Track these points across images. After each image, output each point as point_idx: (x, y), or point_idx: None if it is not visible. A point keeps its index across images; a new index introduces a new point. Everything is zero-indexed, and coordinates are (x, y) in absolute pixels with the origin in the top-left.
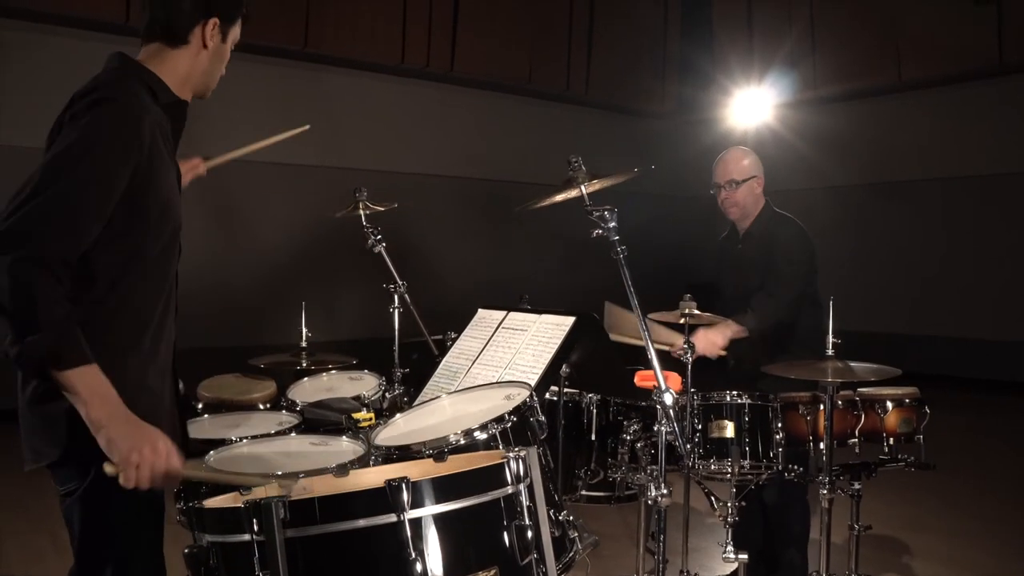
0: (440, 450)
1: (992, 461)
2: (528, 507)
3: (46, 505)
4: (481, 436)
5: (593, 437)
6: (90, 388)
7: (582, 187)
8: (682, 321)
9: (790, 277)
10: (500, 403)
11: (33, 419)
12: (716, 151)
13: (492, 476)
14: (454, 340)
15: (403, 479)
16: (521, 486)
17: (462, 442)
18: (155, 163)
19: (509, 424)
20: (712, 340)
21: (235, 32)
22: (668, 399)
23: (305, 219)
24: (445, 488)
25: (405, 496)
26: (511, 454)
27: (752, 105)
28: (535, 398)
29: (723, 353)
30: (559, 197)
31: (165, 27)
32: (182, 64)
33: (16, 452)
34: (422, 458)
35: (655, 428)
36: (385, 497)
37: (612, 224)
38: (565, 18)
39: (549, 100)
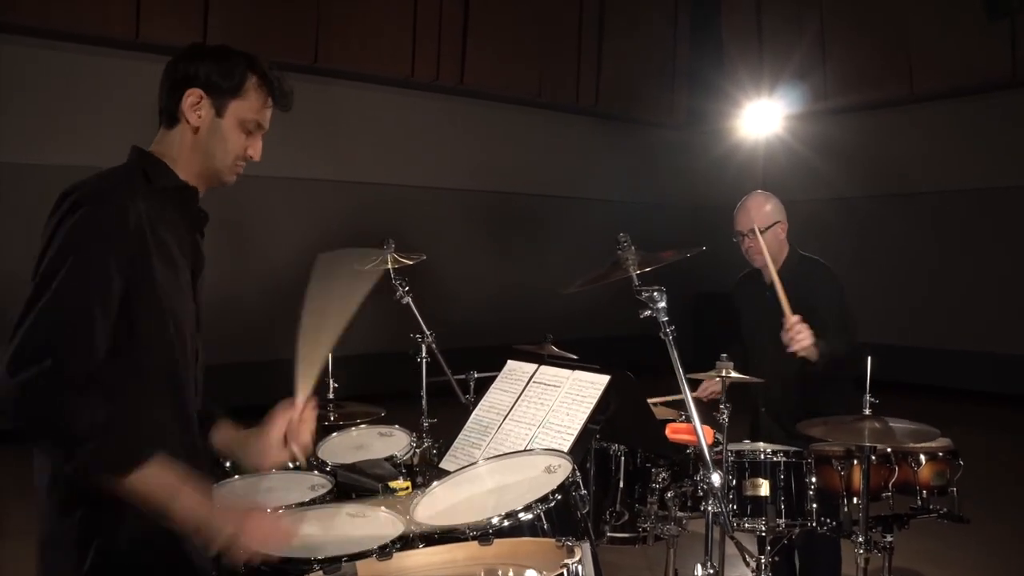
0: (485, 533)
1: (1009, 483)
2: None
3: None
4: (526, 517)
5: (621, 483)
6: (163, 487)
7: (632, 270)
8: (718, 379)
9: (845, 326)
10: (541, 476)
11: (54, 540)
12: (726, 162)
13: None
14: (476, 380)
15: None
16: None
17: (506, 524)
18: (150, 260)
19: (553, 504)
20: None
21: (241, 109)
22: (716, 480)
23: (315, 231)
24: None
25: None
26: (570, 562)
27: (762, 116)
28: (577, 473)
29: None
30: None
31: (161, 107)
32: (175, 145)
33: (26, 476)
34: (466, 539)
35: (703, 508)
36: None
37: (661, 304)
38: (575, 30)
39: (559, 112)
